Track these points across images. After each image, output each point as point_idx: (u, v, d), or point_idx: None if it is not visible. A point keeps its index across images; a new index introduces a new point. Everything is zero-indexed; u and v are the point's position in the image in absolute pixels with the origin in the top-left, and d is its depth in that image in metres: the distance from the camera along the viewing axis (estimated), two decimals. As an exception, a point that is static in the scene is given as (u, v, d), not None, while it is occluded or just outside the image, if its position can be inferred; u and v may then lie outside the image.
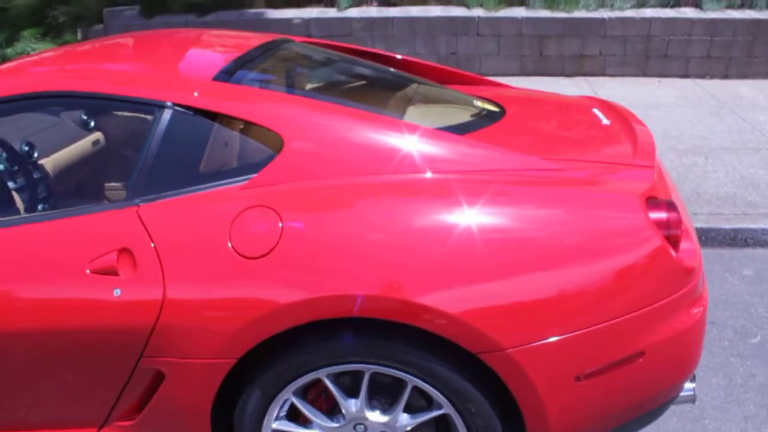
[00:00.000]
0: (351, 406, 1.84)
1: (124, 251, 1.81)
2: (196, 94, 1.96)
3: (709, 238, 3.88)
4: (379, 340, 1.73)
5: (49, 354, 1.88)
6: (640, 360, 1.78)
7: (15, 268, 1.87)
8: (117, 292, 1.80)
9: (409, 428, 1.85)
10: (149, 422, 1.92)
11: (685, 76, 7.06)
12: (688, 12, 6.86)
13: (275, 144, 1.92)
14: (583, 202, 1.77)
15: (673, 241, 1.80)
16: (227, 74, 2.08)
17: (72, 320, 1.82)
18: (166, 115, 1.94)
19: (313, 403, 1.91)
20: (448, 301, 1.65)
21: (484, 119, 2.30)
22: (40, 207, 2.46)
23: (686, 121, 5.65)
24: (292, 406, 1.88)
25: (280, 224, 1.75)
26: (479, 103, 2.50)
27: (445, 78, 3.05)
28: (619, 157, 2.03)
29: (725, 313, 3.21)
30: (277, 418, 1.88)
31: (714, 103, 6.18)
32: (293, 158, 1.86)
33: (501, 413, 1.81)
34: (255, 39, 2.60)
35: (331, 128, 1.88)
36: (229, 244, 1.75)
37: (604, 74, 7.16)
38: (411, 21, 6.80)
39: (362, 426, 1.86)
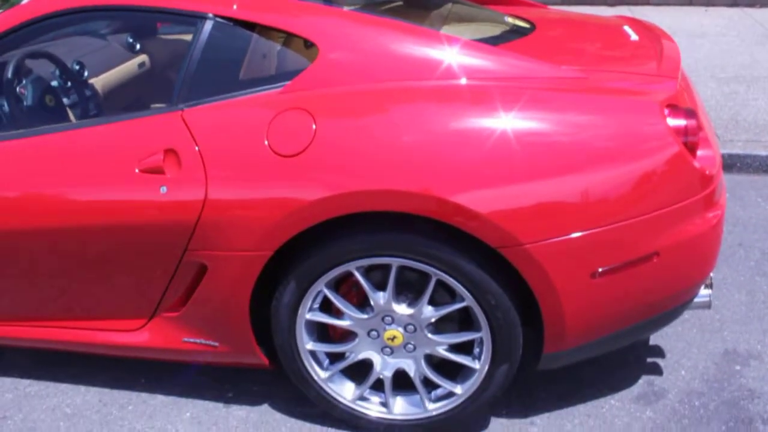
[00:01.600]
0: (379, 298, 1.98)
1: (170, 151, 1.95)
2: (235, 6, 2.04)
3: (745, 164, 3.86)
4: (406, 234, 1.84)
5: (103, 251, 2.06)
6: (655, 260, 1.86)
7: (69, 170, 2.02)
8: (163, 190, 1.94)
9: (432, 320, 1.99)
10: (194, 313, 2.09)
11: (733, 4, 6.82)
12: (741, -64, 6.58)
13: (311, 53, 2.00)
14: (606, 108, 1.82)
15: (691, 148, 1.85)
16: None
17: (123, 218, 1.98)
18: (207, 26, 2.04)
19: (344, 296, 2.05)
20: (475, 199, 1.75)
21: (514, 34, 2.34)
22: None
23: (731, 50, 5.51)
24: (325, 299, 2.03)
25: (314, 125, 1.86)
26: (510, 20, 2.53)
27: None
28: (644, 68, 2.07)
29: (754, 236, 3.23)
30: (311, 310, 2.03)
31: (762, 31, 5.98)
32: (328, 65, 1.94)
33: (522, 308, 1.92)
34: None
35: (365, 37, 1.96)
36: (266, 143, 1.87)
37: (648, 3, 6.97)
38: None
39: (390, 317, 2.00)
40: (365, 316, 2.02)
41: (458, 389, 2.05)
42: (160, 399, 2.39)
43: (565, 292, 1.83)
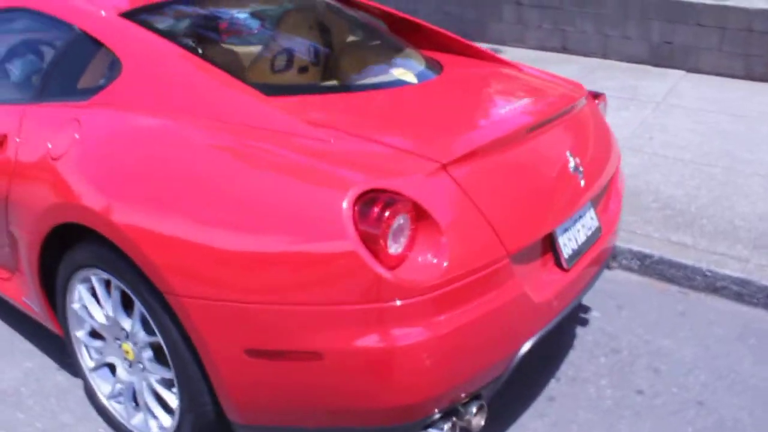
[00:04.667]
0: (109, 309, 2.09)
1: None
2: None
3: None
4: (103, 249, 1.95)
5: None
6: (318, 362, 1.67)
7: None
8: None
9: (149, 344, 2.03)
10: (22, 278, 2.39)
11: None
12: None
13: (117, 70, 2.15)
14: (295, 182, 1.69)
15: (381, 249, 1.60)
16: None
17: None
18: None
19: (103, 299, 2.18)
20: (144, 236, 1.78)
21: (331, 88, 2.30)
22: None
23: None
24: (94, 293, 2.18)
25: (76, 136, 2.03)
26: (396, 73, 2.41)
27: (450, 46, 2.90)
28: (413, 144, 1.85)
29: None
30: (79, 300, 2.21)
31: None
32: (129, 85, 2.09)
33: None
34: None
35: (169, 66, 2.06)
36: (49, 145, 2.10)
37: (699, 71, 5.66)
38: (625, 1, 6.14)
39: (124, 332, 2.09)
40: (105, 323, 2.14)
41: (167, 422, 2.07)
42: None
43: (221, 359, 1.75)
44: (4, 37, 2.63)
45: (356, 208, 1.61)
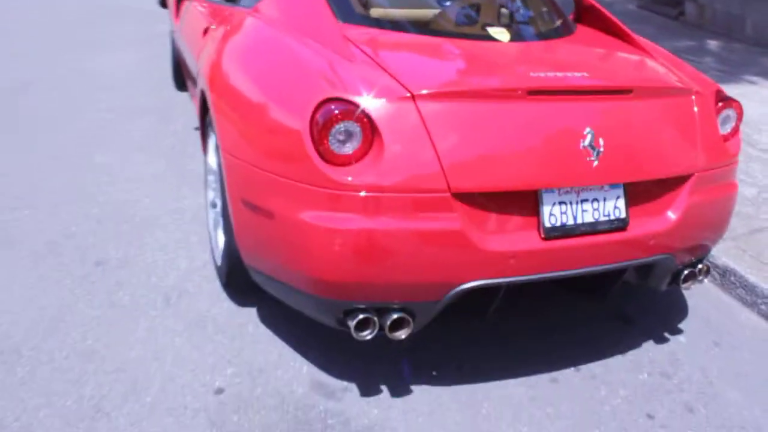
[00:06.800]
0: (211, 157, 2.73)
1: None
2: None
3: None
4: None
5: None
6: (272, 220, 2.05)
7: None
8: None
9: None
10: None
11: None
12: None
13: None
14: (301, 79, 2.14)
15: (322, 142, 1.91)
16: None
17: None
18: None
19: None
20: (216, 103, 2.41)
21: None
22: None
23: None
24: None
25: None
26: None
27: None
28: (406, 77, 2.04)
29: None
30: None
31: None
32: None
33: None
34: None
35: None
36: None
37: None
38: None
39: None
40: (212, 168, 2.79)
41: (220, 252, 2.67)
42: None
43: (232, 205, 2.30)
44: None
45: (318, 109, 1.93)
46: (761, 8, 6.58)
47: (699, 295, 2.98)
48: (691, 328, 2.75)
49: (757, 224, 3.36)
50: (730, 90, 5.33)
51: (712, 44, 6.99)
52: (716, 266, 3.07)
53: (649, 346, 2.63)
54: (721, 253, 3.09)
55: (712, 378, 2.48)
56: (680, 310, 2.88)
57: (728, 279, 3.02)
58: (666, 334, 2.70)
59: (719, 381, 2.46)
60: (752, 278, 2.93)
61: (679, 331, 2.73)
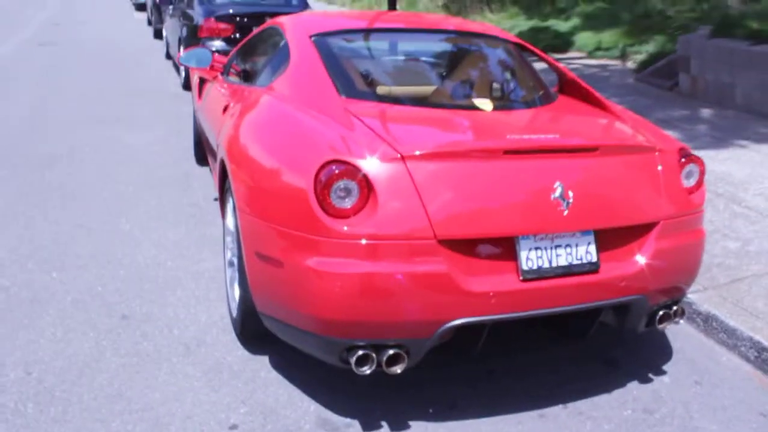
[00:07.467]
0: (229, 220, 3.03)
1: None
2: None
3: None
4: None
5: None
6: (281, 269, 2.34)
7: None
8: None
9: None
10: None
11: None
12: None
13: None
14: (306, 143, 2.49)
15: (325, 197, 2.21)
16: None
17: None
18: None
19: None
20: (233, 167, 2.73)
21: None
22: None
23: None
24: None
25: None
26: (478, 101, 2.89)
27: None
28: (400, 142, 2.36)
29: None
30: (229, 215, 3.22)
31: None
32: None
33: None
34: None
35: None
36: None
37: None
38: None
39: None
40: (230, 229, 3.09)
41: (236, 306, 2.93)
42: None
43: (247, 258, 2.58)
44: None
45: (321, 169, 2.25)
46: (750, 77, 6.94)
47: (683, 339, 3.17)
48: (675, 369, 2.93)
49: (738, 275, 3.57)
50: (720, 153, 5.63)
51: (705, 112, 7.33)
52: (699, 313, 3.27)
53: (633, 385, 2.81)
54: (703, 301, 3.29)
55: (692, 413, 2.65)
56: (665, 353, 3.06)
57: (710, 324, 3.21)
58: (650, 375, 2.88)
59: (699, 415, 2.63)
60: (733, 323, 3.12)
61: (662, 372, 2.91)
